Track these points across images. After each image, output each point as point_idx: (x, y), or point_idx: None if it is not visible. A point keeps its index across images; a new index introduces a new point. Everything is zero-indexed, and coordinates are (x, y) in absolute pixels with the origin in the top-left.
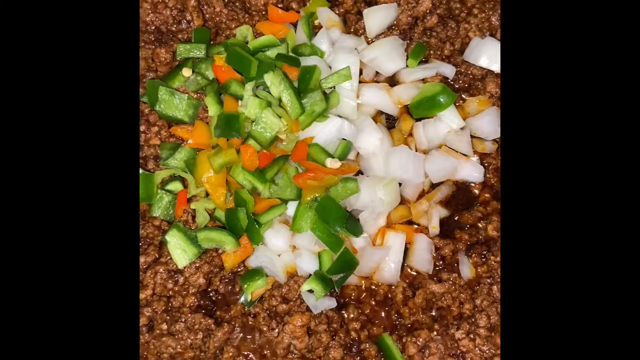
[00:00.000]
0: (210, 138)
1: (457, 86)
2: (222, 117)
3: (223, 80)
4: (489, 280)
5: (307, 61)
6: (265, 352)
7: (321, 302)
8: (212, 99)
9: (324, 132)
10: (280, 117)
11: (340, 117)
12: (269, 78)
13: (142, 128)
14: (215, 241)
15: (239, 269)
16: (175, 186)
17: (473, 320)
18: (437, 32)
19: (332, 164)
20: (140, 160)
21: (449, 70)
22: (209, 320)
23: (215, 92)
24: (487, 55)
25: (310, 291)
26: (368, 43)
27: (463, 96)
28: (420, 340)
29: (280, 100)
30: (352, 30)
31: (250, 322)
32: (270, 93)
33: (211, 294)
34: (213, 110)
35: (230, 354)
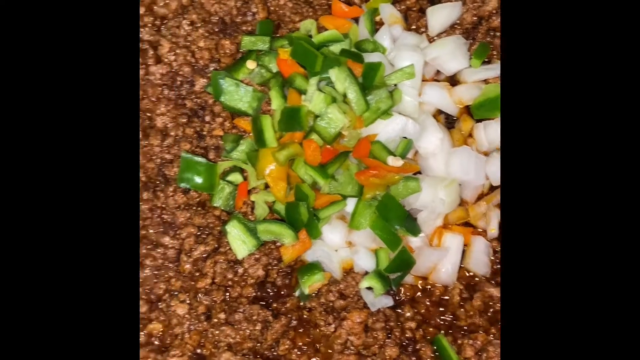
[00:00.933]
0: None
1: None
2: (285, 111)
3: (287, 74)
4: None
5: (370, 57)
6: (319, 347)
7: (379, 300)
8: (276, 93)
9: (387, 130)
10: (344, 113)
11: (403, 115)
12: (334, 73)
13: (207, 119)
14: (274, 234)
15: (295, 263)
16: (236, 177)
17: None
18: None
19: (394, 162)
20: (201, 151)
21: None
22: (267, 312)
23: (279, 85)
24: None
25: (369, 288)
26: (429, 41)
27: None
28: (478, 342)
29: (344, 96)
30: (413, 27)
31: (305, 316)
32: (334, 88)
33: (267, 286)
34: (276, 103)
35: (287, 346)
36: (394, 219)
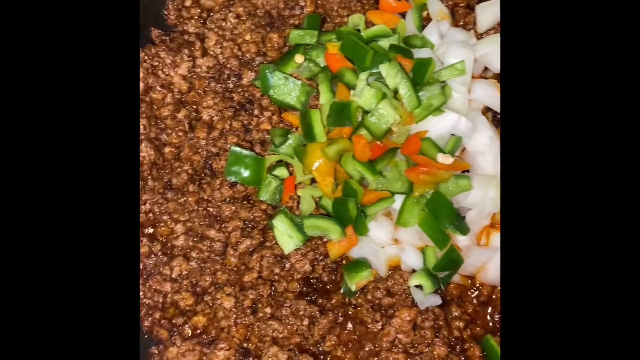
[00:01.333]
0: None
1: None
2: (335, 106)
3: (335, 69)
4: None
5: (419, 53)
6: (365, 344)
7: (428, 298)
8: (325, 87)
9: (438, 127)
10: (395, 109)
11: (454, 112)
12: (385, 69)
13: (255, 112)
14: (321, 229)
15: (341, 259)
16: (281, 172)
17: None
18: None
19: (444, 159)
20: (247, 144)
21: None
22: (314, 308)
23: (328, 80)
24: None
25: (417, 286)
26: (477, 38)
27: None
28: None
29: (395, 92)
30: (460, 23)
31: (350, 313)
32: (383, 84)
33: (313, 282)
34: (325, 98)
35: (333, 342)
36: (444, 217)
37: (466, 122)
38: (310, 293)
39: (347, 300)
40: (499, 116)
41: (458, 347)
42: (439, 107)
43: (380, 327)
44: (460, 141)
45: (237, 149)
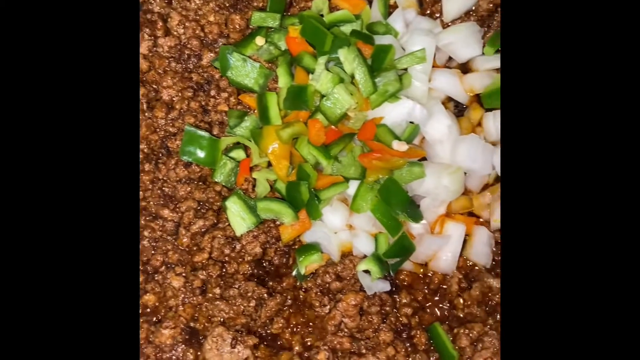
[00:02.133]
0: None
1: None
2: (292, 89)
3: (295, 52)
4: None
5: (381, 40)
6: (313, 327)
7: (376, 284)
8: (283, 70)
9: (394, 114)
10: (351, 94)
11: (412, 100)
12: (343, 53)
13: (212, 93)
14: (274, 212)
15: (294, 243)
16: (238, 154)
17: None
18: None
19: (399, 146)
20: (205, 125)
21: None
22: (262, 290)
23: (287, 63)
24: None
25: (366, 272)
26: (443, 27)
27: None
28: (474, 332)
29: (352, 77)
30: (427, 12)
31: (301, 296)
32: (342, 69)
33: (265, 264)
34: (283, 81)
35: (280, 324)
36: (396, 203)
37: (421, 110)
38: (262, 276)
39: (298, 284)
40: (463, 106)
41: (405, 333)
42: (395, 94)
43: (327, 311)
44: (418, 129)
45: (192, 129)
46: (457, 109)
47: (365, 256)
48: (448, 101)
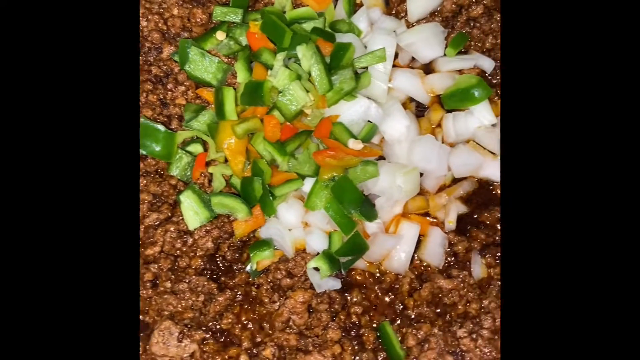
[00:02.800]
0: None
1: (494, 81)
2: (249, 85)
3: (255, 48)
4: (499, 283)
5: (342, 38)
6: (263, 324)
7: (325, 282)
8: (242, 65)
9: (350, 112)
10: (307, 92)
11: (368, 99)
12: (301, 50)
13: (169, 86)
14: (228, 207)
15: (249, 239)
16: (196, 148)
17: (477, 320)
18: (480, 23)
19: (354, 145)
20: (164, 119)
21: (487, 64)
22: (212, 285)
23: (245, 58)
24: None
25: (316, 269)
26: (408, 27)
27: (499, 93)
28: (421, 333)
29: (309, 74)
30: (393, 12)
31: (253, 292)
32: (301, 66)
33: (218, 260)
34: (242, 76)
35: (229, 320)
36: (349, 202)
37: (376, 109)
38: (215, 271)
39: (250, 280)
40: (425, 106)
41: (354, 332)
42: (350, 92)
43: (276, 308)
44: (376, 128)
45: (147, 122)
46: (419, 110)
47: (318, 253)
48: (410, 101)
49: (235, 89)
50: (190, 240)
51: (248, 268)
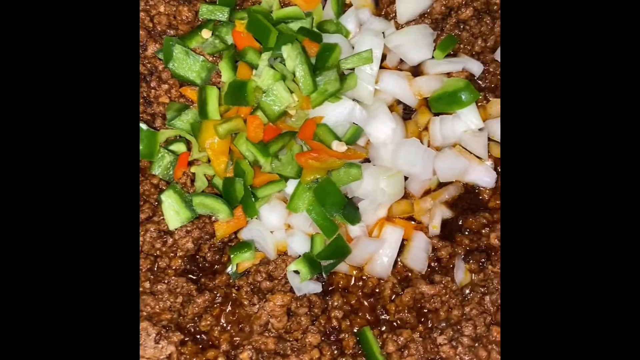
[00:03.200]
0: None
1: (483, 85)
2: (233, 84)
3: (241, 47)
4: (482, 290)
5: (329, 39)
6: (243, 326)
7: (305, 285)
8: (226, 65)
9: (335, 114)
10: (292, 92)
11: (354, 100)
12: (286, 50)
13: (153, 84)
14: (209, 208)
15: (230, 240)
16: (179, 147)
17: (459, 327)
18: (470, 26)
19: (338, 147)
20: (148, 117)
21: (476, 67)
22: (192, 286)
23: (230, 57)
24: None
25: (297, 272)
26: (398, 28)
27: (488, 96)
28: (401, 339)
29: (294, 74)
30: (382, 13)
31: (233, 294)
32: (286, 66)
33: (199, 260)
34: (226, 75)
35: (208, 322)
36: (331, 204)
37: (361, 111)
38: (195, 272)
39: (231, 281)
40: (412, 109)
41: (333, 336)
42: (335, 94)
43: (256, 311)
44: (361, 131)
45: None
46: (406, 113)
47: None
48: (397, 104)
49: (219, 88)
50: (170, 241)
51: (229, 269)
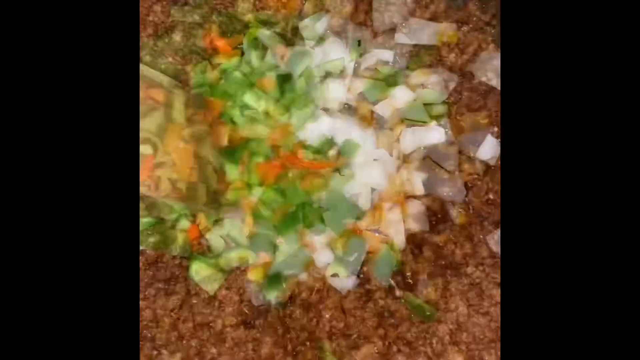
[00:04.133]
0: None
1: (454, 98)
2: (200, 88)
3: (211, 51)
4: (444, 306)
5: (303, 44)
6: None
7: (264, 295)
8: (195, 68)
9: (305, 122)
10: (260, 99)
11: (325, 109)
12: (256, 55)
13: None
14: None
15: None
16: (145, 149)
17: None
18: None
19: (305, 156)
20: None
21: (451, 80)
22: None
23: (200, 61)
24: (494, 71)
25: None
26: (374, 37)
27: (462, 110)
28: (360, 354)
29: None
30: (359, 20)
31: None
32: (255, 73)
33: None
34: (195, 79)
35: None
36: (294, 213)
37: (333, 122)
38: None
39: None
40: (385, 119)
41: (289, 347)
42: (305, 102)
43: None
44: (332, 141)
45: None
46: (378, 122)
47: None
48: (370, 114)
49: (187, 91)
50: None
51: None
